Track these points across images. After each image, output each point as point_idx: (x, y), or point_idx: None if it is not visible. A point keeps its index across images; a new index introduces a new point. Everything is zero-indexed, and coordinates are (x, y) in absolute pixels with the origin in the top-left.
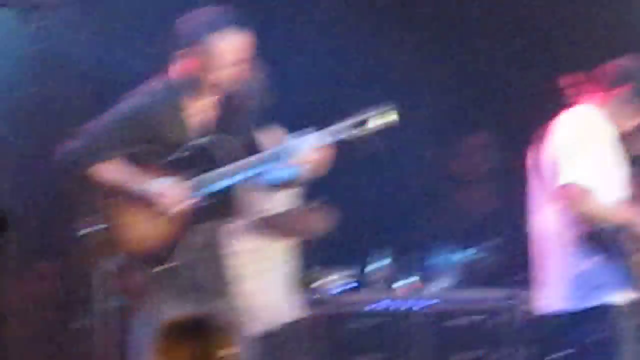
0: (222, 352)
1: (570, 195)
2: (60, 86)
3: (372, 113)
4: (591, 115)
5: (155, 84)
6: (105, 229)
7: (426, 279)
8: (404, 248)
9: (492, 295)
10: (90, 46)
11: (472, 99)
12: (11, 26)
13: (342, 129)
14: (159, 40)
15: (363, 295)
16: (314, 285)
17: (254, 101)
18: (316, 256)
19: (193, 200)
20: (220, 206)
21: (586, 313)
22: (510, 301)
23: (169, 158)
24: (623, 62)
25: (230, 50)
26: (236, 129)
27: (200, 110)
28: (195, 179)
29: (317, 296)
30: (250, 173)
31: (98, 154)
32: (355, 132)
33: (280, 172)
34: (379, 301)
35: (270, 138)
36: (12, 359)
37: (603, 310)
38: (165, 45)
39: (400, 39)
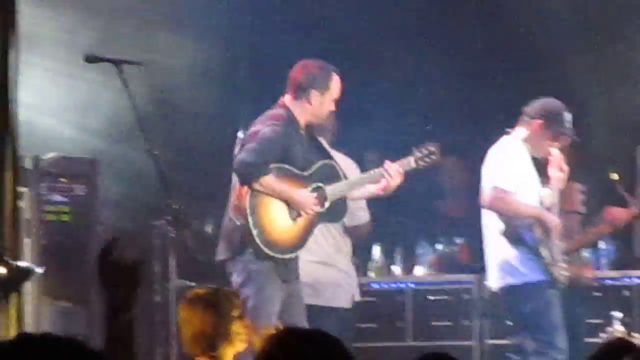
0: (235, 312)
1: (492, 195)
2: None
3: (432, 148)
4: (512, 143)
5: (280, 112)
6: (252, 223)
7: (412, 265)
8: (397, 242)
9: (460, 278)
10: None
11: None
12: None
13: (417, 160)
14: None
15: (365, 277)
16: None
17: (332, 132)
18: None
19: (320, 207)
20: (333, 212)
21: (517, 289)
22: (472, 282)
23: (302, 173)
24: (540, 102)
25: (337, 89)
26: (321, 153)
27: (306, 136)
28: (322, 190)
29: None
30: (356, 187)
31: (262, 168)
32: (424, 162)
33: (367, 188)
34: (376, 282)
35: (343, 162)
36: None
37: (529, 287)
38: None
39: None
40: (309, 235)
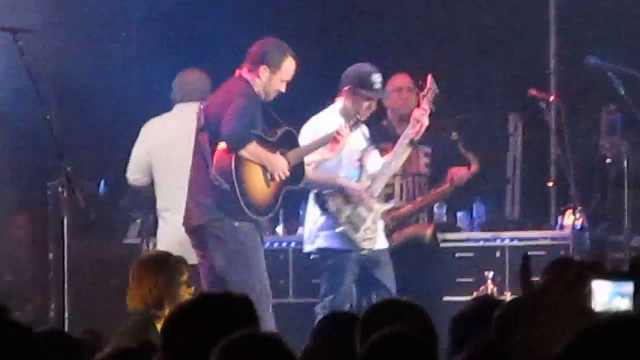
0: (182, 277)
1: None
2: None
3: None
4: (321, 115)
5: (241, 83)
6: (238, 187)
7: (295, 225)
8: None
9: None
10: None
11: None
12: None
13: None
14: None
15: None
16: None
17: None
18: None
19: (288, 168)
20: (295, 176)
21: (318, 253)
22: None
23: (270, 140)
24: (349, 68)
25: (289, 71)
26: (275, 120)
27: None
28: (285, 155)
29: None
30: (313, 151)
31: (249, 136)
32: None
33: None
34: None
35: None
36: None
37: (326, 253)
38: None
39: None
40: (280, 198)
